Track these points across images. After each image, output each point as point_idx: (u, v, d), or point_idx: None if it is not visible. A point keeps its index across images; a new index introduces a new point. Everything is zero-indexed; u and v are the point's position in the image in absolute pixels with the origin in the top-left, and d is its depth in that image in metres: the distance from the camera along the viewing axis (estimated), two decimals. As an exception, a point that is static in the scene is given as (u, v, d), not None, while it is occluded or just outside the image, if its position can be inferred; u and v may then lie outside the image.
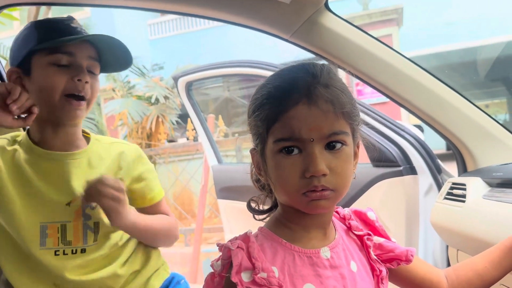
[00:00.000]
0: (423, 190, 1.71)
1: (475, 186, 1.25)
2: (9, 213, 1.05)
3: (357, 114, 0.71)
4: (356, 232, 0.78)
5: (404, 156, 1.76)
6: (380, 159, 1.78)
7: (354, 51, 1.37)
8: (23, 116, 1.02)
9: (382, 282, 0.76)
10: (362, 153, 0.80)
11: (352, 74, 1.39)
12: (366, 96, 7.50)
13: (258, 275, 0.64)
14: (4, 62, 4.48)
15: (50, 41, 1.04)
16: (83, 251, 1.09)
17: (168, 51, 10.78)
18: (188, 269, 4.15)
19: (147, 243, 1.23)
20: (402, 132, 1.78)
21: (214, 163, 2.56)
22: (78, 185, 1.08)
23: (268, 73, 0.74)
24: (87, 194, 1.03)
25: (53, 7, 4.89)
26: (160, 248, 1.28)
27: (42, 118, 1.06)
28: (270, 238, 0.71)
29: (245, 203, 0.81)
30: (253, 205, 0.80)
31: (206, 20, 10.51)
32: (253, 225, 0.77)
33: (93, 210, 1.09)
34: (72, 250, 1.08)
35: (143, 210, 1.23)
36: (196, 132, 3.19)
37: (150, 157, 6.11)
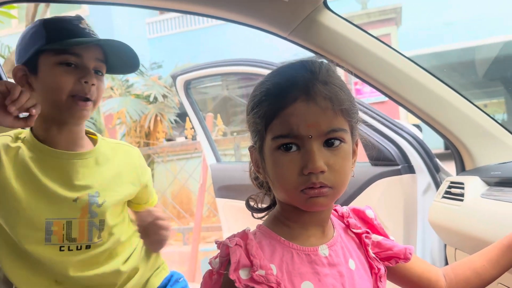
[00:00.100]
0: (421, 189, 1.72)
1: (473, 185, 1.25)
2: (14, 209, 1.05)
3: (356, 112, 0.71)
4: (354, 230, 0.78)
5: (403, 155, 1.76)
6: (378, 157, 1.79)
7: (352, 49, 1.37)
8: (24, 116, 1.01)
9: (380, 280, 0.76)
10: (361, 152, 0.80)
11: (351, 73, 1.39)
12: (365, 95, 7.50)
13: (256, 273, 0.64)
14: (2, 61, 4.48)
15: (59, 42, 1.04)
16: (88, 247, 1.10)
17: (166, 49, 10.76)
18: (187, 268, 4.15)
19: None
20: (400, 131, 1.78)
21: (212, 162, 2.56)
22: (85, 182, 1.09)
23: (267, 72, 0.74)
24: (144, 231, 1.14)
25: (51, 5, 4.88)
26: None
27: (47, 117, 1.06)
28: (268, 236, 0.71)
29: (243, 202, 0.80)
30: (251, 203, 0.80)
31: (205, 19, 10.53)
32: (251, 223, 0.77)
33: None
34: (77, 247, 1.09)
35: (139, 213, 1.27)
36: (194, 131, 3.19)
37: (148, 156, 6.11)
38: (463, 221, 1.17)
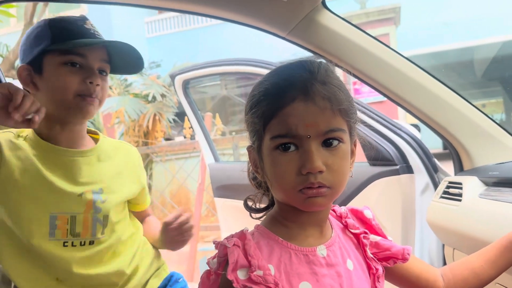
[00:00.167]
0: (420, 189, 1.72)
1: (472, 185, 1.25)
2: (18, 203, 1.05)
3: (354, 112, 0.71)
4: (352, 231, 0.78)
5: (401, 155, 1.76)
6: (377, 157, 1.79)
7: (351, 49, 1.36)
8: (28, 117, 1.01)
9: (378, 281, 0.76)
10: (359, 152, 0.80)
11: (350, 73, 1.39)
12: (363, 95, 7.52)
13: (254, 273, 0.64)
14: (0, 59, 4.46)
15: (65, 43, 1.05)
16: (91, 243, 1.10)
17: (165, 49, 10.75)
18: (185, 268, 4.14)
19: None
20: (399, 131, 1.78)
21: (211, 161, 2.56)
22: (89, 179, 1.10)
23: (266, 72, 0.74)
24: (171, 240, 1.18)
25: (50, 4, 4.87)
26: None
27: (51, 116, 1.06)
28: (266, 236, 0.71)
29: (242, 202, 0.80)
30: (250, 203, 0.80)
31: (204, 18, 10.52)
32: (250, 223, 0.77)
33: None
34: (81, 242, 1.09)
35: (136, 214, 1.28)
36: (193, 130, 3.18)
37: (147, 155, 6.11)
38: (461, 221, 1.17)
